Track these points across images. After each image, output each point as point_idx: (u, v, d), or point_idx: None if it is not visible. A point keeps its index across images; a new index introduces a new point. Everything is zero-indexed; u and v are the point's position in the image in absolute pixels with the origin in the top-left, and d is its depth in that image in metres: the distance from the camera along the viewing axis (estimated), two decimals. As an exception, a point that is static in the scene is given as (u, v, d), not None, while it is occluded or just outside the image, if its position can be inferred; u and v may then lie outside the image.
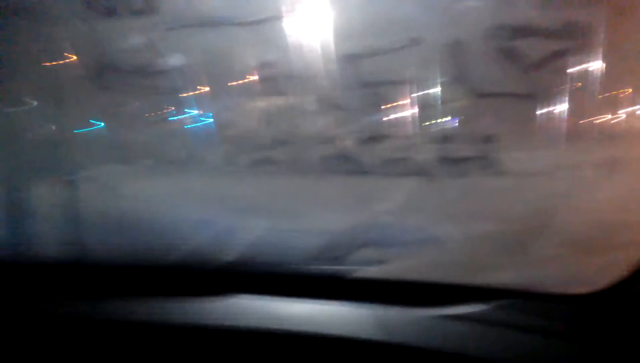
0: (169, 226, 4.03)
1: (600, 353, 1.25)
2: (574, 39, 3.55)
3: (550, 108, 4.66)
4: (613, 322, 1.29)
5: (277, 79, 4.67)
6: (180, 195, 5.60)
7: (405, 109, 4.98)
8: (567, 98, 4.52)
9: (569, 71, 3.85)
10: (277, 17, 3.62)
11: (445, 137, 5.59)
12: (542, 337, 1.34)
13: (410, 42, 3.58)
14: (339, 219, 4.13)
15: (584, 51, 3.61)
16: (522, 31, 3.63)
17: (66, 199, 3.48)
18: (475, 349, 1.30)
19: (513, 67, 3.61)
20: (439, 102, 4.40)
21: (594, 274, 2.91)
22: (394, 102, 4.79)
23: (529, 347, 1.31)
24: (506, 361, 1.26)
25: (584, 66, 4.05)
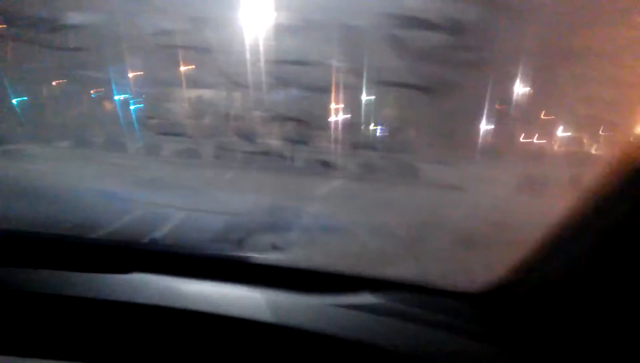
0: (81, 202, 4.05)
1: (490, 347, 1.19)
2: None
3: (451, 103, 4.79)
4: (500, 317, 1.28)
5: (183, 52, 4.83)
6: (96, 176, 5.66)
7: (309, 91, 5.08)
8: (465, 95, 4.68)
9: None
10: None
11: (350, 125, 5.74)
12: (435, 329, 1.25)
13: (305, 23, 3.75)
14: (243, 205, 4.16)
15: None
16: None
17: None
18: (368, 337, 1.21)
19: (411, 58, 3.72)
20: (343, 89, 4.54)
21: (484, 272, 2.94)
22: (296, 84, 4.91)
23: (422, 338, 1.22)
24: (398, 349, 1.18)
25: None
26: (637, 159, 0.90)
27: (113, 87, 5.77)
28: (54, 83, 7.36)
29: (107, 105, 6.98)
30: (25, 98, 6.91)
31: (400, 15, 3.67)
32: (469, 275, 2.90)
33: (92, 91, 6.78)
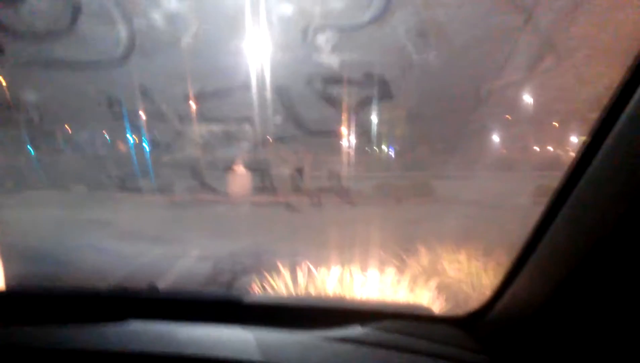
0: (62, 254, 3.94)
1: None
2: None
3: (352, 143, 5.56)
4: (482, 341, 1.31)
5: (123, 116, 4.98)
6: (71, 223, 5.35)
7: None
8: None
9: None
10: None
11: (292, 169, 6.27)
12: (425, 357, 1.27)
13: (241, 85, 4.17)
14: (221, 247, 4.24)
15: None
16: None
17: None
18: None
19: (333, 109, 4.34)
20: (279, 137, 5.00)
21: (465, 297, 3.13)
22: (243, 138, 5.30)
23: None
24: None
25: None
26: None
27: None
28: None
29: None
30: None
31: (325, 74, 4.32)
32: (457, 299, 3.08)
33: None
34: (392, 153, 7.66)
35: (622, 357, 0.99)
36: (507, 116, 5.19)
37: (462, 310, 1.39)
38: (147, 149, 6.55)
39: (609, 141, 0.85)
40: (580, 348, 1.06)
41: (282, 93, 4.48)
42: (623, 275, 0.90)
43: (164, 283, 3.18)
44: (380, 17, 3.55)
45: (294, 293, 2.95)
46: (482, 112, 4.82)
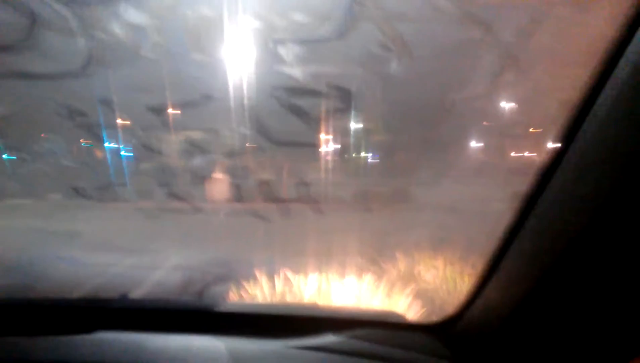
0: (28, 264, 3.89)
1: None
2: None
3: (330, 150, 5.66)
4: (454, 348, 1.31)
5: (89, 127, 4.93)
6: (38, 234, 5.30)
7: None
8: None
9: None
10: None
11: (260, 179, 6.31)
12: None
13: (202, 98, 4.16)
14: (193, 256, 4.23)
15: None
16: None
17: None
18: None
19: (300, 120, 4.36)
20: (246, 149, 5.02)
21: (442, 303, 3.11)
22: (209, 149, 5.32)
23: None
24: None
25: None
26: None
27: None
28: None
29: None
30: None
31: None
32: (433, 304, 3.05)
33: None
34: (359, 161, 7.79)
35: (595, 358, 0.99)
36: (472, 124, 5.30)
37: (437, 315, 1.39)
38: (114, 159, 6.53)
39: (574, 147, 0.85)
40: (551, 352, 1.06)
41: (249, 104, 4.48)
42: (592, 277, 0.91)
43: (136, 293, 3.17)
44: (344, 31, 3.57)
45: (270, 302, 2.92)
46: (448, 122, 4.91)
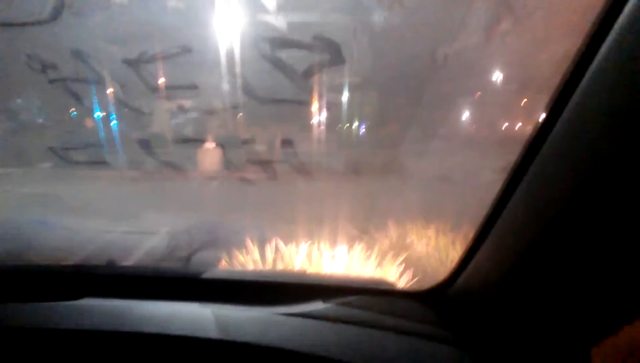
0: (13, 230, 3.76)
1: (441, 346, 1.21)
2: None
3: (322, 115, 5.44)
4: (443, 315, 1.30)
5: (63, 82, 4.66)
6: (22, 200, 5.20)
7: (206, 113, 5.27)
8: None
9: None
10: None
11: (245, 140, 6.10)
12: (387, 332, 1.25)
13: (181, 50, 3.92)
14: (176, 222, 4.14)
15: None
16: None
17: None
18: (321, 345, 1.20)
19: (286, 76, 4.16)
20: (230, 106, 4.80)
21: (433, 272, 3.08)
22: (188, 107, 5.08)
23: (367, 342, 1.23)
24: (350, 355, 1.17)
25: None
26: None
27: None
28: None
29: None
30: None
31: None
32: (425, 273, 2.97)
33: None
34: (351, 127, 7.48)
35: (581, 325, 0.99)
36: (467, 83, 5.10)
37: (428, 284, 1.38)
38: (89, 119, 6.23)
39: (565, 114, 0.81)
40: (539, 319, 1.06)
41: (230, 58, 4.24)
42: (580, 247, 0.90)
43: (122, 260, 3.09)
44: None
45: (258, 269, 2.84)
46: (441, 77, 4.73)
